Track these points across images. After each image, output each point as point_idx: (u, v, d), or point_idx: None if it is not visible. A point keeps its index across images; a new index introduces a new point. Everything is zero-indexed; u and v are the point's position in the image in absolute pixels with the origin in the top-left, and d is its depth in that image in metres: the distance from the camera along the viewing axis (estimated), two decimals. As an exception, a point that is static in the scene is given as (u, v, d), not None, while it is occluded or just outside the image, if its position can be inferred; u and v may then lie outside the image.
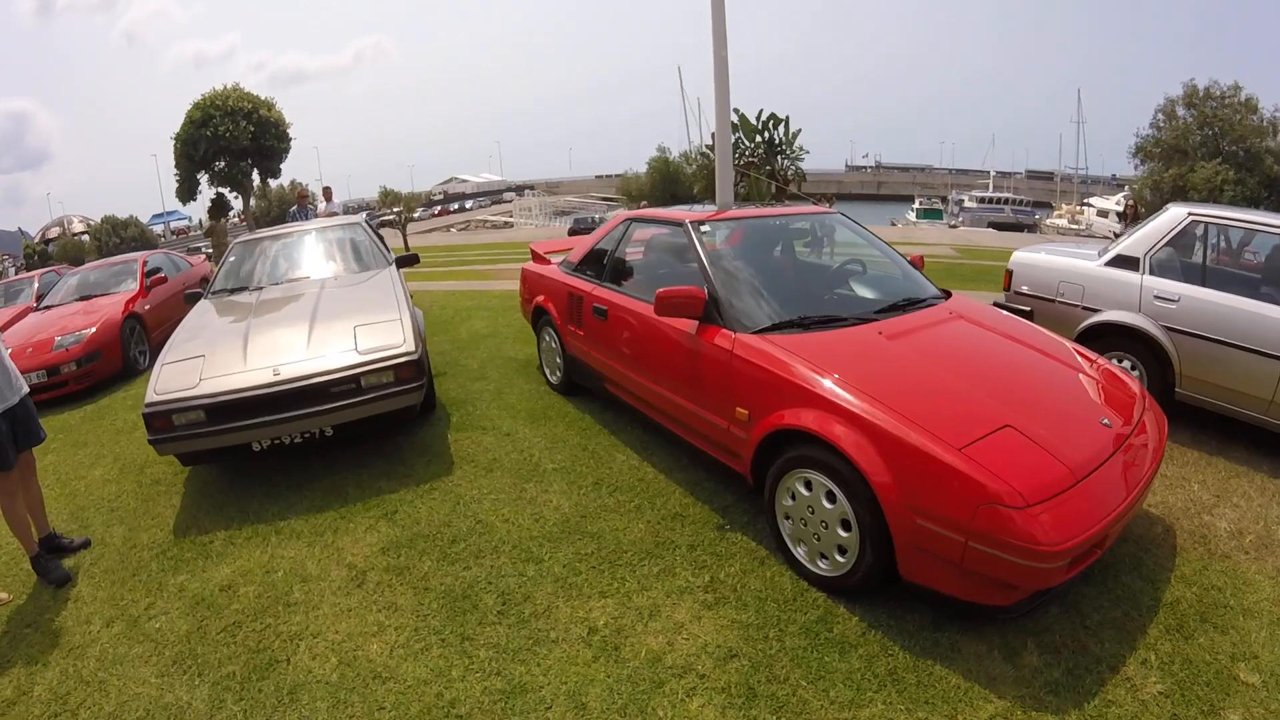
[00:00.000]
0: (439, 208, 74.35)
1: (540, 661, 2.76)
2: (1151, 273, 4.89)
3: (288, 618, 3.17)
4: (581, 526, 3.74)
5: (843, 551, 2.97)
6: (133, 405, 6.69)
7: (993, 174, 73.26)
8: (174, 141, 10.96)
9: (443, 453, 4.83)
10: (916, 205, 49.91)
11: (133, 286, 9.36)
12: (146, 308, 9.05)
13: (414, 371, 4.46)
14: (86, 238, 42.44)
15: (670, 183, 24.73)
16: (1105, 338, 4.96)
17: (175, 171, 11.64)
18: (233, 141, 10.70)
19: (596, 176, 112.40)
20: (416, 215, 40.23)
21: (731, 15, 7.81)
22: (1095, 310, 5.09)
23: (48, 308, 9.07)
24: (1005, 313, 4.39)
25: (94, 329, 7.74)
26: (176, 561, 3.74)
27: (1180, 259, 4.93)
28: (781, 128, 17.61)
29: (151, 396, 4.10)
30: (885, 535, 2.75)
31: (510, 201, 70.73)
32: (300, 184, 11.62)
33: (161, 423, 4.07)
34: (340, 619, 3.13)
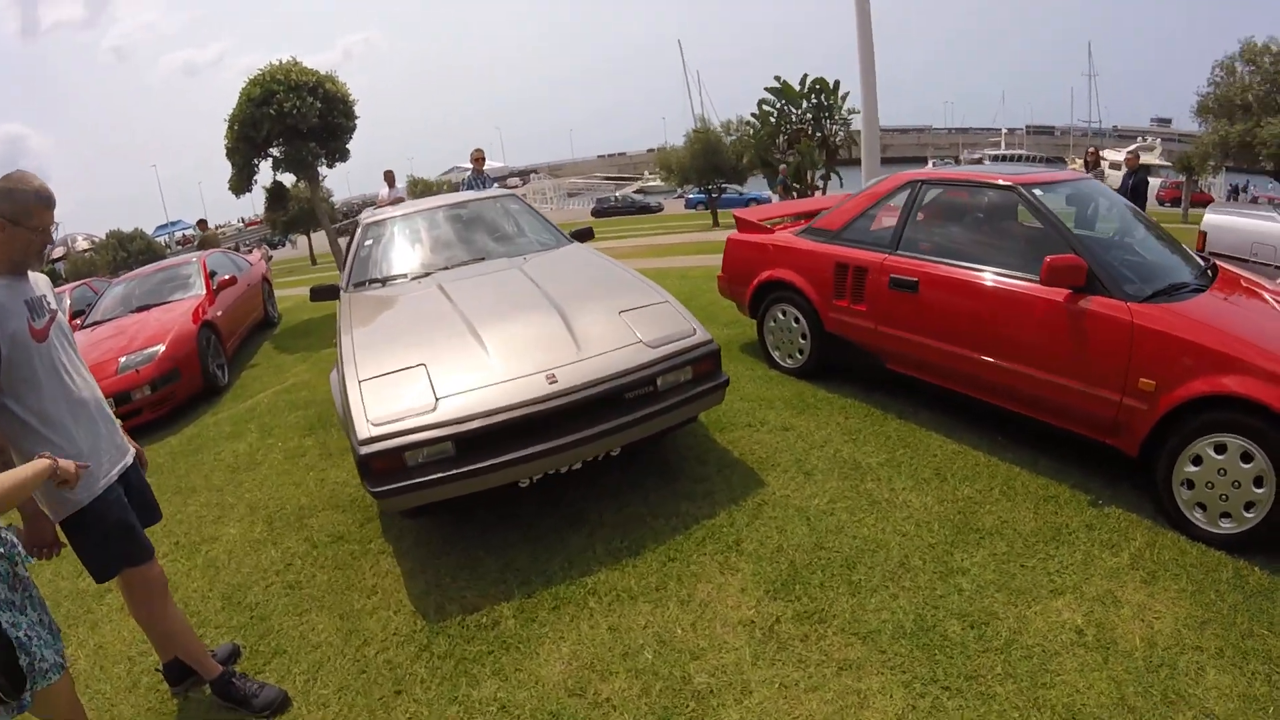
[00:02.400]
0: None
1: (1060, 680, 2.54)
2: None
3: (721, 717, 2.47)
4: (970, 524, 3.45)
5: (1249, 508, 3.10)
6: (232, 432, 5.95)
7: (1005, 132, 77.04)
8: (228, 125, 9.73)
9: (726, 459, 4.21)
10: (930, 165, 52.33)
11: (198, 291, 8.54)
12: (219, 314, 8.25)
13: (714, 365, 3.76)
14: (89, 254, 40.45)
15: (711, 153, 24.23)
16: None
17: (231, 159, 10.27)
18: (301, 119, 9.49)
19: (599, 157, 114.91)
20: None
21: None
22: None
23: (95, 324, 8.15)
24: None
25: (164, 344, 6.85)
26: (459, 660, 2.86)
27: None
28: (825, 93, 17.30)
29: (367, 429, 3.14)
30: None
31: (515, 187, 73.72)
32: (478, 150, 10.73)
33: (388, 464, 3.10)
34: (797, 701, 2.50)
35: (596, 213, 39.74)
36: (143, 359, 6.51)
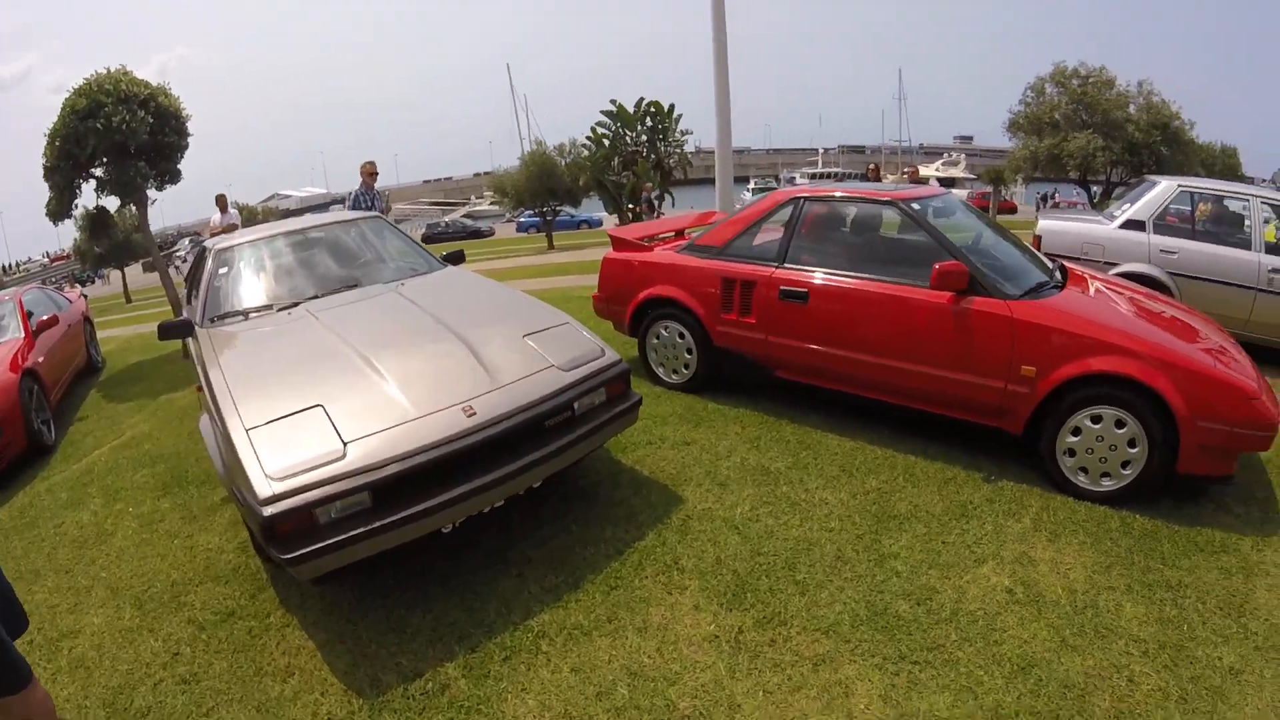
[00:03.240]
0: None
1: (1008, 636, 2.86)
2: (1155, 232, 6.58)
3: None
4: (887, 512, 3.76)
5: (1125, 466, 3.75)
6: (71, 500, 5.09)
7: (822, 151, 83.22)
8: (48, 141, 8.16)
9: (638, 478, 4.18)
10: (752, 185, 55.07)
11: (15, 334, 7.39)
12: (40, 360, 7.11)
13: (626, 385, 3.73)
14: None
15: (547, 176, 23.95)
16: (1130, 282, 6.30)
17: (49, 179, 8.59)
18: (131, 135, 8.12)
19: (424, 181, 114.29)
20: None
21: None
22: (1114, 264, 6.54)
23: None
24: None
25: None
26: None
27: (1174, 220, 6.76)
28: (660, 116, 17.78)
29: (268, 486, 2.75)
30: (1172, 444, 3.61)
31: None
32: (370, 162, 9.77)
33: (296, 524, 2.73)
34: (786, 705, 2.57)
35: (426, 239, 38.67)
36: None
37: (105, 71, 8.88)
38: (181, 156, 9.73)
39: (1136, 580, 3.13)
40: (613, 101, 17.16)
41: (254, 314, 4.41)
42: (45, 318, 7.73)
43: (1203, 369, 3.61)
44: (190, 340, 4.37)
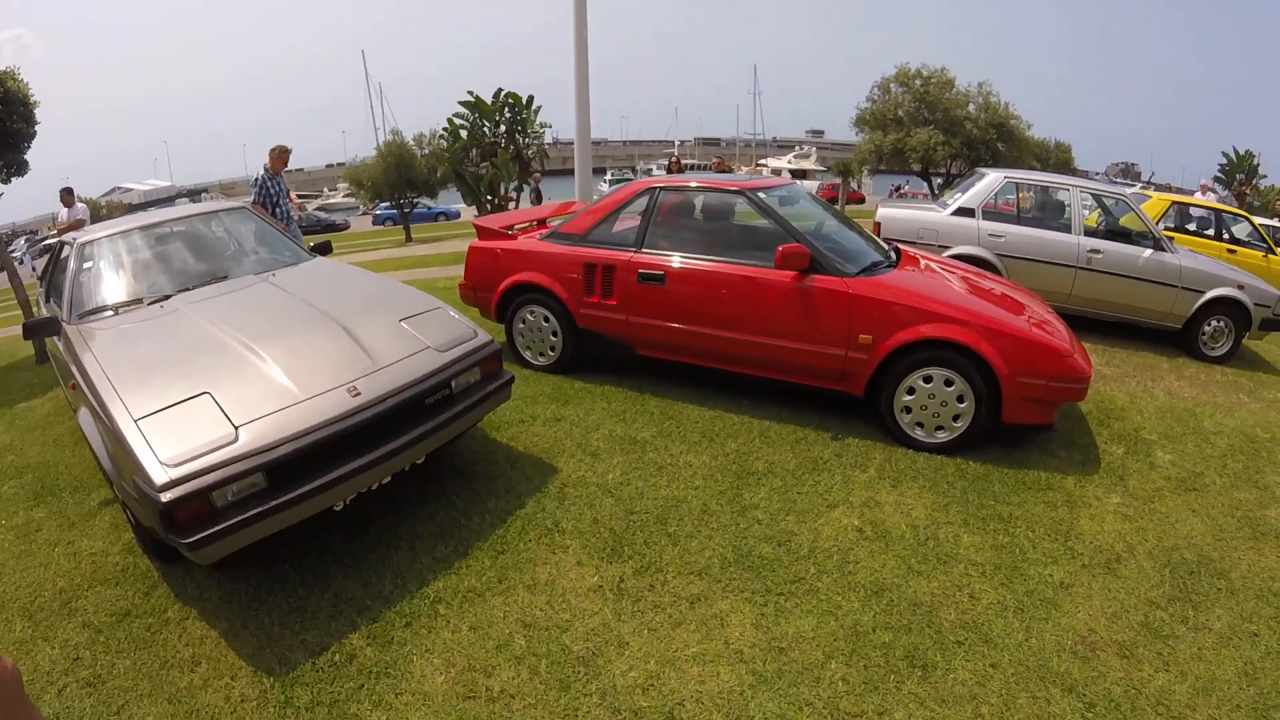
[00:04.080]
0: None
1: (860, 567, 3.33)
2: (984, 218, 7.49)
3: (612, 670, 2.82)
4: (746, 469, 4.18)
5: (956, 419, 4.38)
6: None
7: (678, 144, 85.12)
8: None
9: (514, 454, 4.42)
10: (609, 177, 55.63)
11: None
12: None
13: (499, 364, 3.97)
14: None
15: (404, 167, 23.20)
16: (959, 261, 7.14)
17: None
18: None
19: None
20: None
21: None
22: (948, 247, 7.38)
23: None
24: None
25: None
26: (330, 704, 2.75)
27: (1002, 208, 7.79)
28: (518, 107, 17.63)
29: (164, 473, 2.81)
30: (996, 398, 4.25)
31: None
32: (282, 147, 8.79)
33: (195, 509, 2.82)
34: (670, 639, 2.91)
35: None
36: None
37: None
38: (29, 146, 9.07)
39: (972, 515, 3.72)
40: (470, 93, 17.12)
41: (124, 309, 4.35)
42: None
43: (1018, 331, 4.27)
44: (57, 339, 4.30)
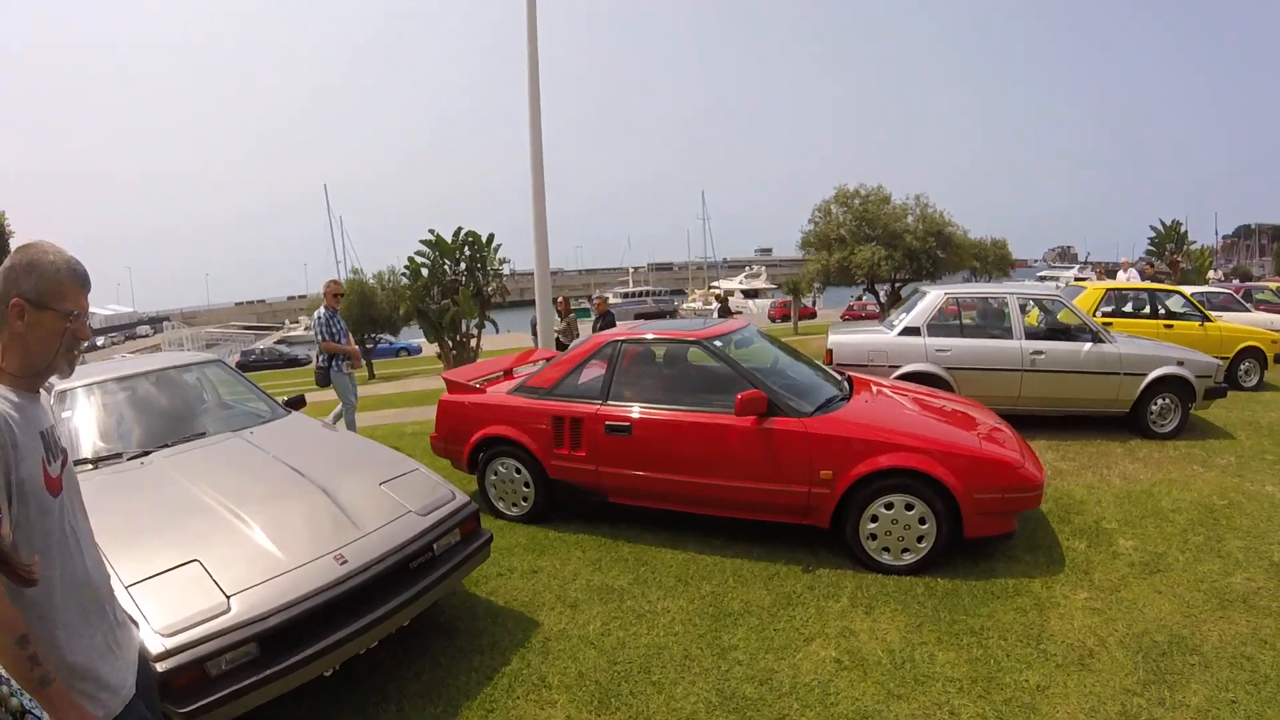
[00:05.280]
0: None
1: (842, 697, 3.51)
2: (930, 335, 8.04)
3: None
4: (723, 611, 4.38)
5: (920, 540, 4.68)
6: None
7: (632, 270, 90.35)
8: None
9: (494, 608, 4.58)
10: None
11: None
12: None
13: (477, 523, 4.21)
14: None
15: (366, 304, 23.62)
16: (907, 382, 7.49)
17: None
18: None
19: (236, 304, 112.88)
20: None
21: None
22: (898, 365, 7.92)
23: None
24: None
25: None
26: None
27: (943, 323, 8.32)
28: (478, 245, 18.21)
29: (160, 643, 2.92)
30: (956, 515, 4.59)
31: (146, 337, 68.34)
32: (334, 280, 8.60)
33: (189, 678, 2.93)
34: None
35: (241, 366, 37.06)
36: None
37: None
38: None
39: (945, 632, 3.97)
40: (431, 231, 17.68)
41: (104, 463, 4.46)
42: None
43: (970, 450, 4.69)
44: None
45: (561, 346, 12.22)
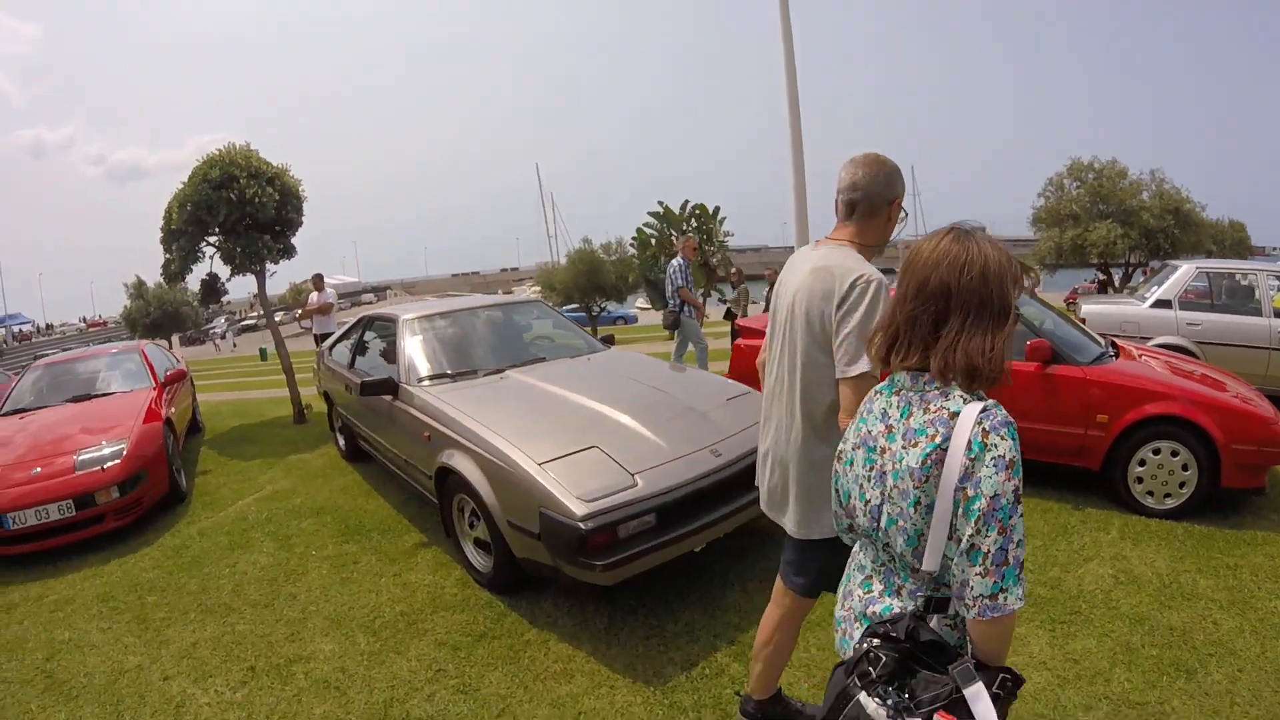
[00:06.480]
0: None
1: (1122, 603, 4.13)
2: (1181, 308, 8.32)
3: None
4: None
5: (1180, 486, 5.24)
6: (233, 544, 5.88)
7: None
8: (176, 205, 8.37)
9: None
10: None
11: (145, 384, 8.32)
12: (172, 411, 7.92)
13: None
14: None
15: (594, 272, 25.82)
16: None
17: (175, 241, 8.68)
18: (260, 209, 8.52)
19: (453, 275, 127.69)
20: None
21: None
22: (1150, 337, 8.26)
23: (19, 412, 7.75)
24: None
25: (128, 439, 6.48)
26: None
27: (1195, 297, 8.58)
28: (704, 217, 19.21)
29: (583, 507, 3.71)
30: (1215, 465, 5.10)
31: (371, 304, 74.14)
32: (690, 235, 10.59)
33: (605, 538, 3.71)
34: None
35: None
36: (107, 454, 6.19)
37: (234, 146, 9.73)
38: (294, 233, 10.49)
39: (1204, 564, 4.54)
40: (660, 203, 18.89)
41: (461, 377, 5.47)
42: (171, 371, 8.68)
43: (1231, 405, 5.18)
44: (390, 397, 5.46)
45: (732, 315, 13.05)
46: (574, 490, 3.83)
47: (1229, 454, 5.04)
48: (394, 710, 3.56)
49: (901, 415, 1.69)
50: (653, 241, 19.46)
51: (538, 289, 31.01)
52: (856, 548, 1.99)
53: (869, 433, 1.77)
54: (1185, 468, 5.18)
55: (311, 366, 11.02)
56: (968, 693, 1.49)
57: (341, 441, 8.07)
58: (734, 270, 14.80)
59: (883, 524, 1.70)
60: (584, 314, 26.25)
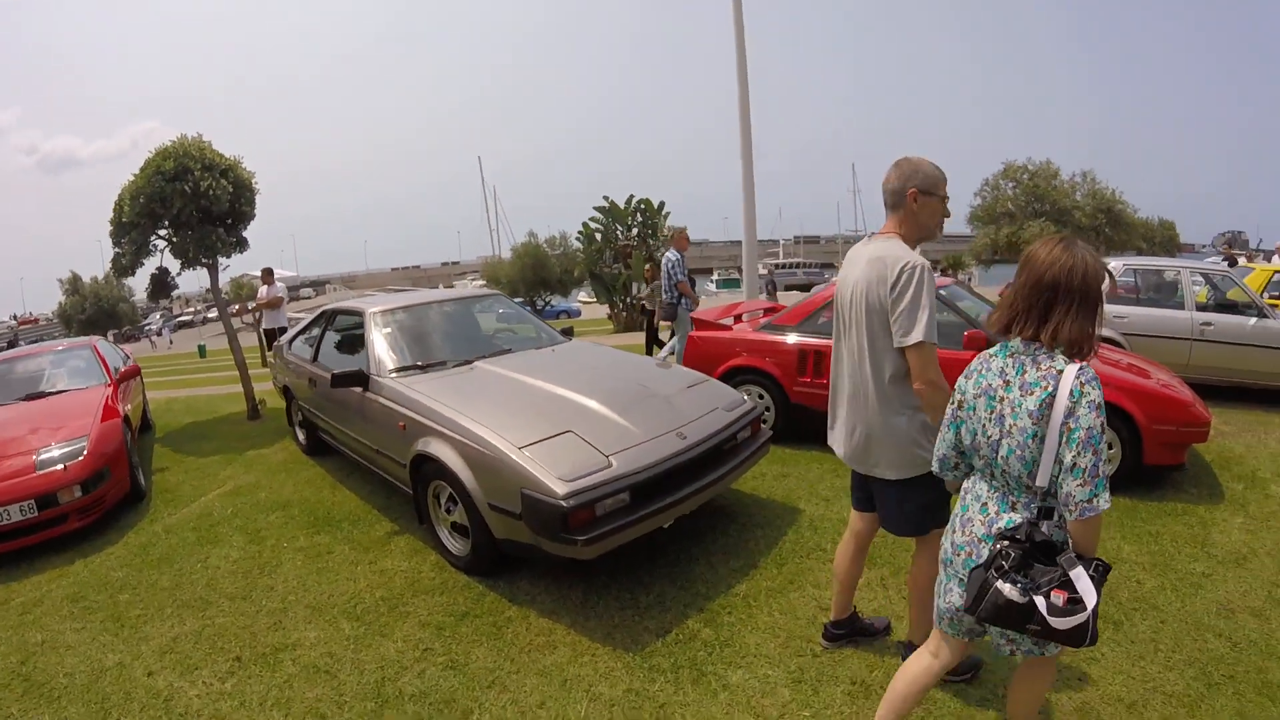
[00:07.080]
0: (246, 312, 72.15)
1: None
2: (1108, 302, 8.49)
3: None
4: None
5: (1106, 463, 5.65)
6: (201, 539, 5.92)
7: (782, 242, 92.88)
8: (127, 198, 7.97)
9: (759, 500, 5.81)
10: (715, 277, 57.70)
11: (99, 380, 8.16)
12: (128, 408, 7.54)
13: (760, 426, 5.36)
14: None
15: (539, 267, 25.59)
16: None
17: (124, 235, 8.29)
18: (215, 201, 8.22)
19: (393, 269, 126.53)
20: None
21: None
22: None
23: None
24: None
25: (88, 437, 6.42)
26: (678, 668, 3.78)
27: (1123, 292, 9.15)
28: (649, 212, 19.50)
29: (563, 486, 4.01)
30: (1138, 444, 5.59)
31: (309, 299, 73.46)
32: (682, 228, 10.54)
33: (585, 515, 4.01)
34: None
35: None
36: (67, 454, 6.11)
37: (186, 138, 9.51)
38: (247, 226, 10.34)
39: (1128, 533, 5.01)
40: (605, 198, 19.20)
41: (431, 368, 5.70)
42: (124, 367, 8.59)
43: (1151, 389, 5.67)
44: (360, 389, 5.65)
45: (647, 312, 13.21)
46: (554, 471, 4.12)
47: (1151, 434, 5.53)
48: (387, 688, 3.76)
49: (1017, 372, 2.33)
50: (597, 237, 19.80)
51: (481, 282, 30.86)
52: (969, 484, 2.63)
53: (989, 385, 2.42)
54: (1110, 446, 5.62)
55: (257, 362, 10.86)
56: (1073, 574, 2.20)
57: (302, 436, 8.16)
58: (647, 267, 15.10)
59: (1001, 454, 2.36)
60: (528, 307, 26.60)
